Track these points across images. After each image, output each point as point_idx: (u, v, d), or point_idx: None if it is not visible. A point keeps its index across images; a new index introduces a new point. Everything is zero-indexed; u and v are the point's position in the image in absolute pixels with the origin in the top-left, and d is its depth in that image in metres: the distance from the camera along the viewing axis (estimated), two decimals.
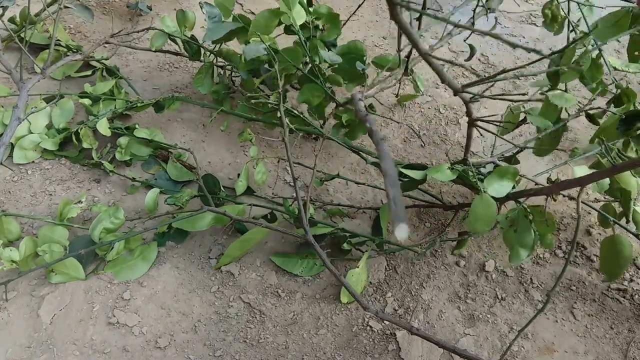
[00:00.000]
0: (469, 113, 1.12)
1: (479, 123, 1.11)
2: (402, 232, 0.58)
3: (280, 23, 1.43)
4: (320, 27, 1.49)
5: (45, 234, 1.23)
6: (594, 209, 1.25)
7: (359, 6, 1.83)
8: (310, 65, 1.44)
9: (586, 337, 1.22)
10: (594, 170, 1.13)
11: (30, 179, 1.44)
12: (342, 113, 1.50)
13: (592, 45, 1.12)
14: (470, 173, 1.19)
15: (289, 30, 1.45)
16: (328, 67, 1.50)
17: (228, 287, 1.26)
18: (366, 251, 1.29)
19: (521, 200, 1.18)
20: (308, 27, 1.45)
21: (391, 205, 0.62)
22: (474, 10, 1.51)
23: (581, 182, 1.05)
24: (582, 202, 1.23)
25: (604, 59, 1.16)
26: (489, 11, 1.48)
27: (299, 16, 1.41)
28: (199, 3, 1.56)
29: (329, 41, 1.51)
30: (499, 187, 1.13)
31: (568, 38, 1.29)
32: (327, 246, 1.34)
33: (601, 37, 1.14)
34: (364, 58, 1.48)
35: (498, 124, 1.17)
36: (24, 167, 1.47)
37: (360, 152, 1.45)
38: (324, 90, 1.45)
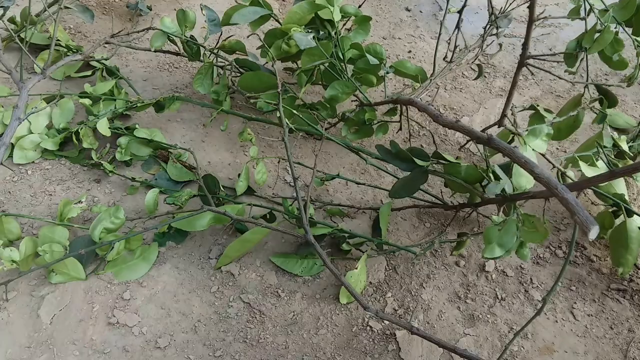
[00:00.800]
0: (525, 46, 1.11)
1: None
2: (594, 233, 0.78)
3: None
4: (348, 26, 1.49)
5: (45, 234, 1.23)
6: (608, 196, 1.25)
7: (359, 7, 1.83)
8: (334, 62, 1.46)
9: (586, 337, 1.22)
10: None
11: (30, 179, 1.44)
12: (363, 113, 1.51)
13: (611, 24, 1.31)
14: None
15: (320, 23, 1.46)
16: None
17: (228, 287, 1.26)
18: (365, 252, 1.29)
19: (521, 202, 1.18)
20: (332, 23, 1.45)
21: (578, 211, 0.79)
22: (484, 28, 1.57)
23: (580, 186, 1.05)
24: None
25: (625, 31, 1.33)
26: (498, 35, 1.53)
27: (337, 13, 1.42)
28: (200, 5, 1.57)
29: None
30: (537, 144, 1.18)
31: (585, 23, 1.37)
32: (327, 246, 1.34)
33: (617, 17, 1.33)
34: (384, 62, 1.49)
35: (554, 62, 1.24)
36: (24, 167, 1.47)
37: (360, 153, 1.45)
38: (355, 87, 1.45)
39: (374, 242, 1.30)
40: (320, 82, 1.58)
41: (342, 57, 1.45)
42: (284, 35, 1.45)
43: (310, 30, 1.43)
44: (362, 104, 1.51)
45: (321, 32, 1.47)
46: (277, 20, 1.54)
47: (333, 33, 1.44)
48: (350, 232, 1.30)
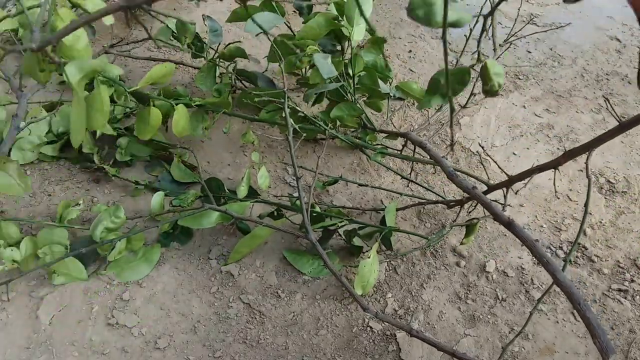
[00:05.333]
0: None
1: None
2: None
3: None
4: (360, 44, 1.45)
5: (45, 236, 1.22)
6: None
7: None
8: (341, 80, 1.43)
9: (587, 338, 1.21)
10: None
11: (29, 179, 1.44)
12: (365, 135, 1.51)
13: None
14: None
15: (335, 37, 1.42)
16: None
17: (227, 287, 1.26)
18: (376, 242, 1.26)
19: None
20: (348, 41, 1.40)
21: (599, 335, 0.79)
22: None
23: (589, 146, 1.01)
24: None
25: None
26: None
27: (359, 33, 1.35)
28: (202, 16, 1.57)
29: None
30: None
31: None
32: (337, 252, 1.33)
33: None
34: (390, 80, 1.47)
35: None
36: (23, 167, 1.46)
37: (364, 150, 1.45)
38: (362, 111, 1.44)
39: (382, 231, 1.28)
40: (326, 96, 1.57)
41: (352, 76, 1.41)
42: (296, 46, 1.41)
43: (329, 53, 1.40)
44: (365, 126, 1.51)
45: (334, 46, 1.43)
46: (289, 27, 1.52)
47: (347, 52, 1.39)
48: (361, 223, 1.29)
